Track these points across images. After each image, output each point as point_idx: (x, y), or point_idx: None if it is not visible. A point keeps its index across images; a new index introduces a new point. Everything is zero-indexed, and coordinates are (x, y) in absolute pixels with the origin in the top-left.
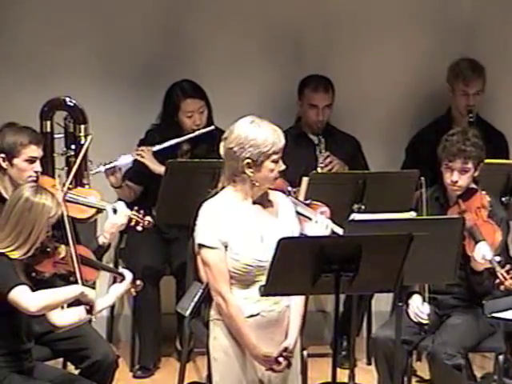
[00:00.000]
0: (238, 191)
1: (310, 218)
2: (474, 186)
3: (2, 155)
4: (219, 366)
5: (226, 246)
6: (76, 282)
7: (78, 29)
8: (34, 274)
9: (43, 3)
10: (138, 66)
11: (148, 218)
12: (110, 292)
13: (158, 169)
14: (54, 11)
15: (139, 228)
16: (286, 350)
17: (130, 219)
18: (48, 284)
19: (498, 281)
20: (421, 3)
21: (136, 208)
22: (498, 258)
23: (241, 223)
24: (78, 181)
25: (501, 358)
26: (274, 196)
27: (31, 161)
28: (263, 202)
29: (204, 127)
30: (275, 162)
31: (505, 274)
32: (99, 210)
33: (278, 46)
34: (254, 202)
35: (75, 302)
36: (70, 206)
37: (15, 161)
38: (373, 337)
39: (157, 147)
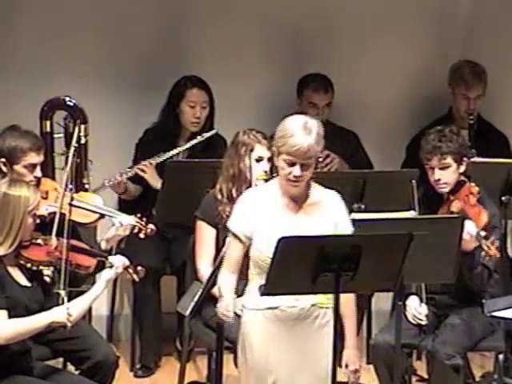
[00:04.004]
0: (281, 184)
1: None
2: (463, 178)
3: (3, 160)
4: (244, 353)
5: (250, 239)
6: (74, 272)
7: (78, 28)
8: (29, 265)
9: (43, 3)
10: (137, 66)
11: (151, 225)
12: (100, 278)
13: (157, 184)
14: (55, 11)
15: (141, 235)
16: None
17: (133, 226)
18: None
19: (483, 253)
20: (421, 3)
21: (139, 215)
22: (483, 233)
23: (272, 217)
24: (78, 181)
25: (501, 357)
26: (324, 194)
27: (31, 167)
28: (308, 198)
29: (203, 127)
30: (287, 162)
31: (489, 245)
32: (102, 216)
33: (278, 46)
34: (295, 198)
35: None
36: (74, 210)
37: (15, 167)
38: (372, 343)
39: (158, 159)
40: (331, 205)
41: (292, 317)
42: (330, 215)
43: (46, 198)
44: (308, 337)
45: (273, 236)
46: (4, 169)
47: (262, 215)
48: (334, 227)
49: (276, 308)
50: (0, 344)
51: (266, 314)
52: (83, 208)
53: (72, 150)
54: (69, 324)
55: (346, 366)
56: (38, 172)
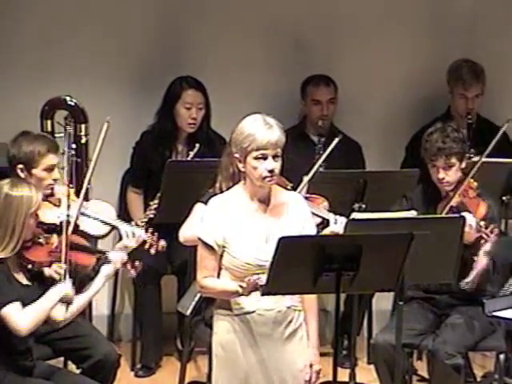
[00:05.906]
0: (247, 188)
1: (324, 218)
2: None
3: (20, 166)
4: (218, 361)
5: (223, 247)
6: (74, 271)
7: (78, 28)
8: (30, 266)
9: (43, 2)
10: (138, 67)
11: (162, 242)
12: (99, 274)
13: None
14: (54, 10)
15: (152, 251)
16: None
17: (144, 242)
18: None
19: (483, 241)
20: (421, 3)
21: (151, 230)
22: (482, 223)
23: (244, 223)
24: (80, 180)
25: (502, 357)
26: (287, 196)
27: (50, 169)
28: (272, 201)
29: (199, 128)
30: (258, 159)
31: (488, 233)
32: (114, 228)
33: (280, 47)
34: (262, 201)
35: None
36: (86, 221)
37: (34, 171)
38: (372, 342)
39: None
40: (298, 206)
41: (269, 320)
42: (298, 216)
43: (58, 206)
44: (284, 343)
45: (249, 242)
46: (22, 175)
47: (235, 222)
48: (302, 228)
49: (253, 312)
50: (23, 336)
51: (244, 319)
52: (95, 218)
53: (96, 154)
54: (74, 298)
55: (311, 365)
56: (56, 174)
